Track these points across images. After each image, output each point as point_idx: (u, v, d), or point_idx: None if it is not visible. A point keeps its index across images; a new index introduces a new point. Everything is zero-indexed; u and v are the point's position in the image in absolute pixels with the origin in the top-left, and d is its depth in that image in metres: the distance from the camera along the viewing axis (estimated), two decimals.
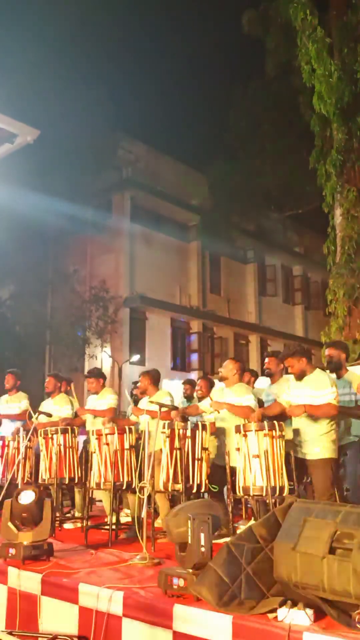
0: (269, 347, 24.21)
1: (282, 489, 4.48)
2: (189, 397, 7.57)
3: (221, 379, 5.63)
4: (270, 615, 2.93)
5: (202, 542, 3.31)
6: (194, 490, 4.87)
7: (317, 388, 4.69)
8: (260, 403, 5.67)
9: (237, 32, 13.28)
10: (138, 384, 6.54)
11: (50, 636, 3.45)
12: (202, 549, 3.31)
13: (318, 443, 4.70)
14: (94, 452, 5.53)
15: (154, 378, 6.24)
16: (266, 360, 6.18)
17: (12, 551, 4.33)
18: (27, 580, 4.03)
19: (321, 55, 9.75)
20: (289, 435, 4.86)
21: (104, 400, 6.50)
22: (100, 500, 6.91)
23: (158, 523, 5.65)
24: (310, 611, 2.85)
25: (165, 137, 23.52)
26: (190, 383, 7.96)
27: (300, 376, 4.82)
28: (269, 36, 12.70)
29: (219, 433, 5.36)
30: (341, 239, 11.09)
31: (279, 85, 14.89)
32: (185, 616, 3.12)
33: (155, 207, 21.45)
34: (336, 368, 5.31)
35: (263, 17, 12.76)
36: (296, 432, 4.80)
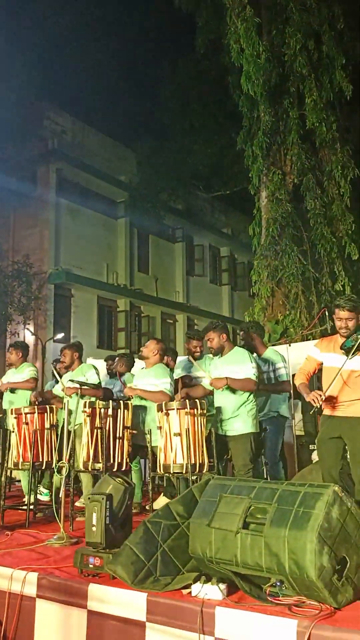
0: (196, 327, 24.43)
1: (202, 466, 4.54)
2: (111, 374, 7.52)
3: (141, 358, 5.63)
4: (185, 591, 2.97)
5: (94, 522, 3.35)
6: (115, 469, 4.84)
7: (237, 363, 4.78)
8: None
9: (168, 6, 12.98)
10: (60, 360, 6.36)
11: None
12: (93, 529, 3.35)
13: (238, 419, 4.78)
14: (13, 432, 5.39)
15: (79, 351, 6.03)
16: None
17: None
18: None
19: (250, 34, 9.72)
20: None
21: (22, 374, 6.33)
22: (19, 480, 6.77)
23: (81, 502, 5.60)
24: (223, 586, 2.90)
25: (93, 110, 22.89)
26: (112, 359, 7.88)
27: (218, 351, 4.92)
28: (199, 12, 12.54)
29: (139, 411, 5.35)
30: (266, 221, 11.26)
31: (209, 63, 14.78)
32: (100, 595, 3.11)
33: (82, 181, 20.95)
34: (250, 349, 5.43)
35: None
36: (218, 409, 4.86)
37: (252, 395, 4.85)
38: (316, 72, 10.81)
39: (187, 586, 2.98)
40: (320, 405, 3.99)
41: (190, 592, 2.93)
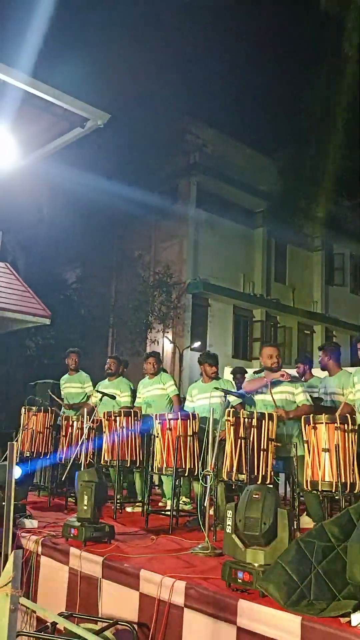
0: (334, 338, 23.54)
1: (353, 485, 4.26)
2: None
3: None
4: (343, 620, 2.76)
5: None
6: (259, 482, 4.71)
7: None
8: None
9: (312, 9, 12.68)
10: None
11: (111, 621, 3.39)
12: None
13: None
14: (157, 437, 5.46)
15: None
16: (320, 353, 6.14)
17: (73, 531, 4.33)
18: (88, 563, 4.01)
19: None
20: None
21: (164, 385, 6.49)
22: (158, 485, 6.86)
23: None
24: None
25: (233, 120, 22.95)
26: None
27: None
28: (347, 14, 12.10)
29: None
30: None
31: (356, 67, 14.22)
32: (250, 613, 2.99)
33: (221, 193, 21.14)
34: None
35: None
36: None
37: None
38: None
39: (346, 614, 2.77)
40: None
41: (349, 622, 2.71)
